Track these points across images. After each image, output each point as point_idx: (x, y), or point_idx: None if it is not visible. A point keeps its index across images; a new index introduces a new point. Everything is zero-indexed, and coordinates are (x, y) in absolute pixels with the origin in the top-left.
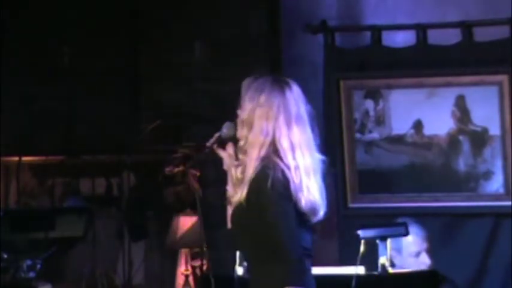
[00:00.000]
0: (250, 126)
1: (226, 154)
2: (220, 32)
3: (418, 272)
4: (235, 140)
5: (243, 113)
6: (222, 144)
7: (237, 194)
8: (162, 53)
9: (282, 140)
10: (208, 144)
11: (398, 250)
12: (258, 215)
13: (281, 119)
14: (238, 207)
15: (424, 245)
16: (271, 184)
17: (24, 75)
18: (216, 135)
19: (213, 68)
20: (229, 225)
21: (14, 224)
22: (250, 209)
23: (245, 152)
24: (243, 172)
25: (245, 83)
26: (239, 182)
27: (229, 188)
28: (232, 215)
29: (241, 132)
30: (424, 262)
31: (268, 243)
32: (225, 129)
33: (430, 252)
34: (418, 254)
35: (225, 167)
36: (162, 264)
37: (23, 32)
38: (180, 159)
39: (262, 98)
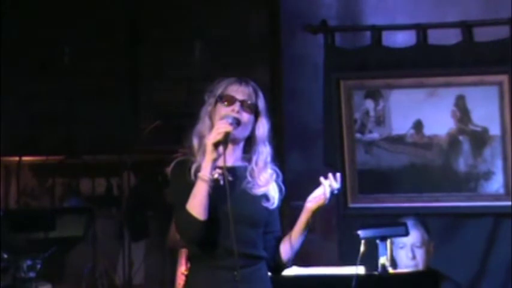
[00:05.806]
0: None
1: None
2: (221, 32)
3: (418, 272)
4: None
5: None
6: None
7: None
8: (162, 53)
9: None
10: None
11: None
12: None
13: None
14: None
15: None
16: None
17: (24, 75)
18: None
19: (213, 68)
20: None
21: (14, 224)
22: None
23: None
24: None
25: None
26: None
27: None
28: None
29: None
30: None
31: None
32: None
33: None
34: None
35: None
36: (162, 264)
37: (23, 32)
38: None
39: None
